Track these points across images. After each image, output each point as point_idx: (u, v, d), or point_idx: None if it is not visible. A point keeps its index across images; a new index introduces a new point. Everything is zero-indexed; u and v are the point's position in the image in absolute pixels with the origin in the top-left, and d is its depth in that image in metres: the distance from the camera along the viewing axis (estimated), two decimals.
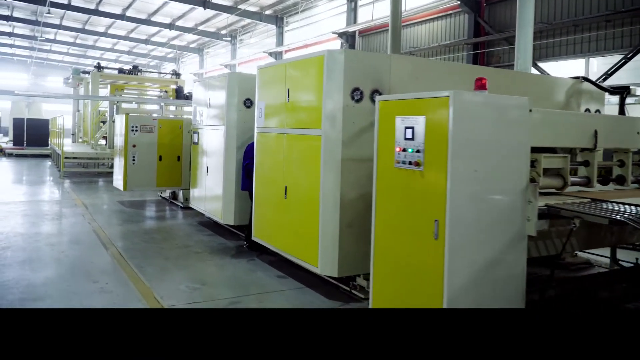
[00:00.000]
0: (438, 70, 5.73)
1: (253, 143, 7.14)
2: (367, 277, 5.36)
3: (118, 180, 10.61)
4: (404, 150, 3.81)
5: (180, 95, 17.07)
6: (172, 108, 19.22)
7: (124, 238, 7.58)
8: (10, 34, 32.08)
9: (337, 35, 20.15)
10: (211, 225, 8.62)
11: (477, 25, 14.83)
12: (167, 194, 11.37)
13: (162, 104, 16.11)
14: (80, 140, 22.73)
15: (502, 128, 3.68)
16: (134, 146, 10.21)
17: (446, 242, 3.44)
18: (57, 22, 28.95)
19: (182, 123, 10.65)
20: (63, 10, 26.24)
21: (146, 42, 31.96)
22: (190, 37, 30.87)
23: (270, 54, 24.97)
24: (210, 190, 8.03)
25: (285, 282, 5.76)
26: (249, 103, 7.48)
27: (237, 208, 7.44)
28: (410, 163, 3.73)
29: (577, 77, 7.03)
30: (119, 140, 10.82)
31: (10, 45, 36.63)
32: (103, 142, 18.69)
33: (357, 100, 5.11)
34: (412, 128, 3.74)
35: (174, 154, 10.58)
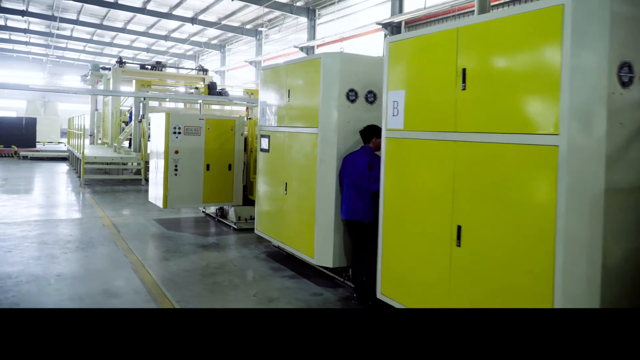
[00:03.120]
0: None
1: (355, 153, 4.91)
2: None
3: (155, 195, 8.34)
4: None
5: (212, 91, 14.81)
6: (198, 106, 17.00)
7: (177, 283, 5.31)
8: (25, 31, 29.92)
9: (380, 26, 17.83)
10: (285, 259, 6.34)
11: None
12: (212, 209, 9.10)
13: (200, 101, 13.84)
14: (99, 142, 20.54)
15: None
16: (177, 152, 7.93)
17: None
18: (74, 17, 26.79)
19: (234, 123, 8.36)
20: (81, 4, 24.05)
21: (166, 38, 29.74)
22: (212, 33, 28.64)
23: (302, 48, 22.69)
24: (291, 217, 5.74)
25: None
26: (353, 95, 5.17)
27: (337, 245, 5.15)
28: None
29: None
30: (154, 145, 8.56)
31: (26, 43, 34.54)
32: (126, 143, 16.44)
33: (625, 84, 2.81)
34: None
35: (224, 162, 8.30)
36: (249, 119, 8.50)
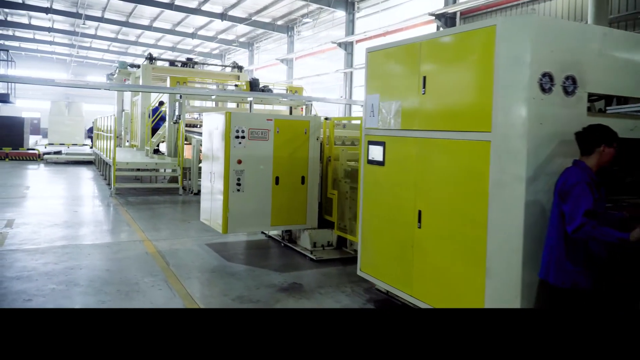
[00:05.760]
0: None
1: (576, 170, 3.04)
2: None
3: (210, 214, 6.53)
4: None
5: (255, 88, 13.02)
6: (232, 105, 15.23)
7: None
8: (49, 30, 28.53)
9: (434, 17, 15.88)
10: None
11: None
12: (276, 231, 7.27)
13: (250, 98, 12.02)
14: (127, 144, 18.88)
15: None
16: (239, 162, 6.11)
17: None
18: (99, 14, 25.28)
19: (309, 125, 6.52)
20: (106, 0, 22.55)
21: (193, 35, 28.12)
22: (240, 30, 26.92)
23: (340, 44, 20.86)
24: (432, 262, 3.86)
25: None
26: (547, 83, 3.27)
27: None
28: None
29: None
30: (208, 152, 6.75)
31: (50, 43, 33.25)
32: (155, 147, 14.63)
33: None
34: None
35: (297, 174, 6.46)
36: (326, 119, 6.66)
